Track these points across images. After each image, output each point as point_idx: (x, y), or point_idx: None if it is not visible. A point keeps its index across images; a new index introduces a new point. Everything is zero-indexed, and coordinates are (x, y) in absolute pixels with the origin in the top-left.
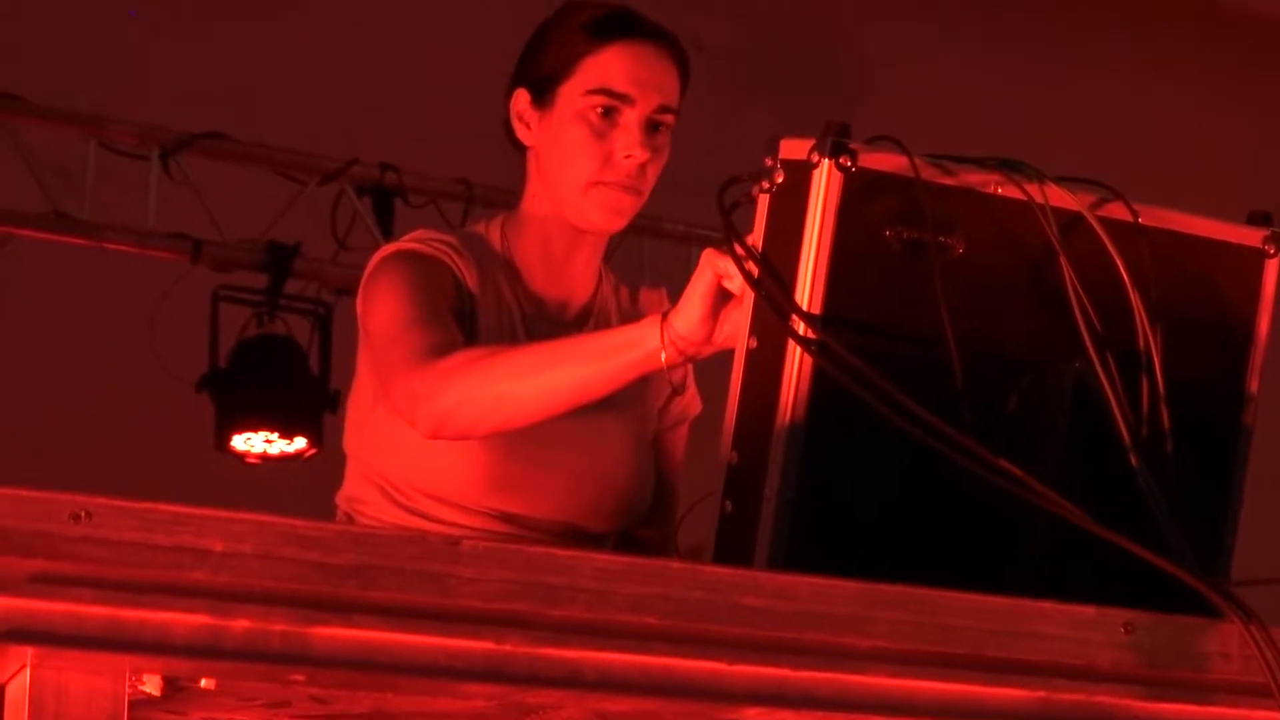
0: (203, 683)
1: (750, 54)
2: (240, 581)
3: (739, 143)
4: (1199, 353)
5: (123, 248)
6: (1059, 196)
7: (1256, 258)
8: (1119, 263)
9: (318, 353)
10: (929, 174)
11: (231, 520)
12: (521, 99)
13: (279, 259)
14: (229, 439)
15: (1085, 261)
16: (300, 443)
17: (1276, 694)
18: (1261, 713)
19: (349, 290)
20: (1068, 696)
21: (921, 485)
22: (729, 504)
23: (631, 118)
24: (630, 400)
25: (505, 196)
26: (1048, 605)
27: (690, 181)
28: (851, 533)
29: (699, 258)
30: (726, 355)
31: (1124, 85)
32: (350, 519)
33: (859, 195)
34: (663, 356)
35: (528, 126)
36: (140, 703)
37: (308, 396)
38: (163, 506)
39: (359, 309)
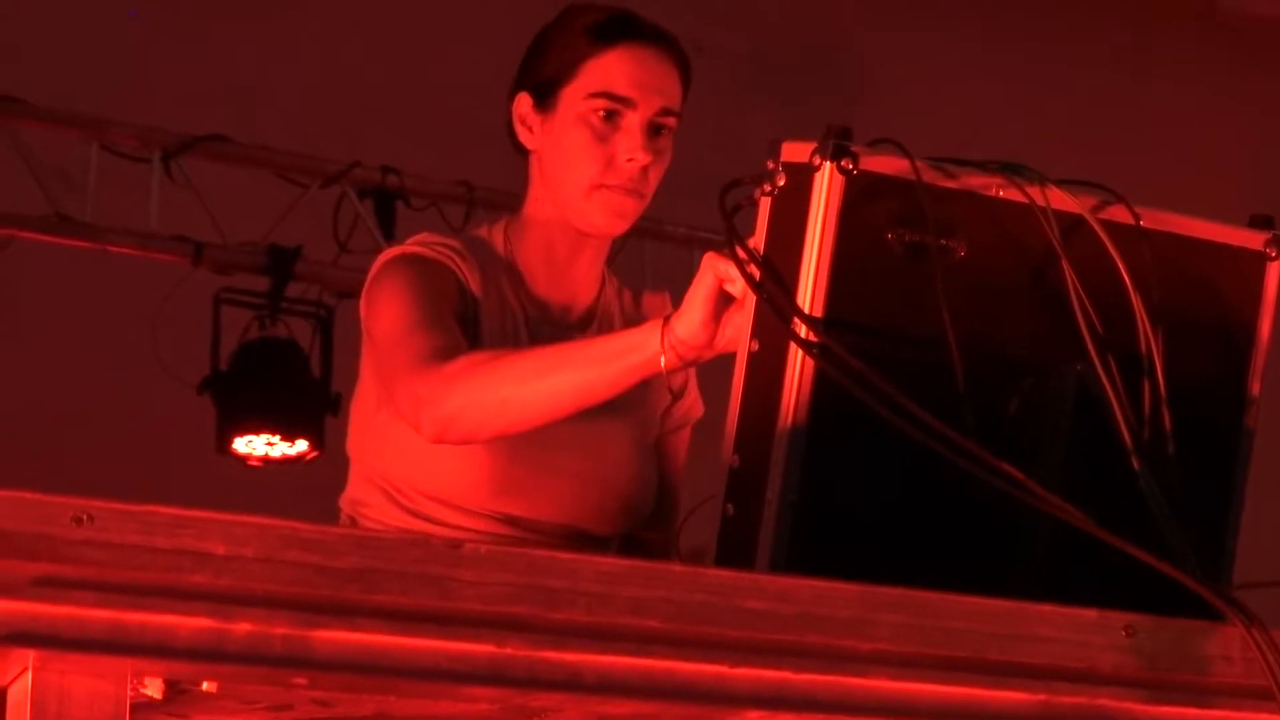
0: (205, 686)
1: (751, 57)
2: (242, 584)
3: (740, 145)
4: (1200, 355)
5: (124, 250)
6: (1060, 199)
7: (1258, 261)
8: (1120, 265)
9: (319, 355)
10: (930, 177)
11: (233, 523)
12: (523, 102)
13: (280, 262)
14: (230, 441)
15: (1087, 264)
16: (302, 445)
17: (1278, 697)
18: (1263, 716)
19: (350, 293)
20: (1069, 699)
21: (923, 488)
22: (730, 507)
23: (633, 121)
24: (633, 403)
25: (507, 199)
26: (1049, 608)
27: (692, 184)
28: (853, 536)
29: (700, 260)
30: (729, 358)
31: (1124, 86)
32: (354, 522)
33: (860, 198)
34: (662, 361)
35: (530, 130)
36: (142, 706)
37: (309, 399)
38: (164, 509)
39: (362, 312)
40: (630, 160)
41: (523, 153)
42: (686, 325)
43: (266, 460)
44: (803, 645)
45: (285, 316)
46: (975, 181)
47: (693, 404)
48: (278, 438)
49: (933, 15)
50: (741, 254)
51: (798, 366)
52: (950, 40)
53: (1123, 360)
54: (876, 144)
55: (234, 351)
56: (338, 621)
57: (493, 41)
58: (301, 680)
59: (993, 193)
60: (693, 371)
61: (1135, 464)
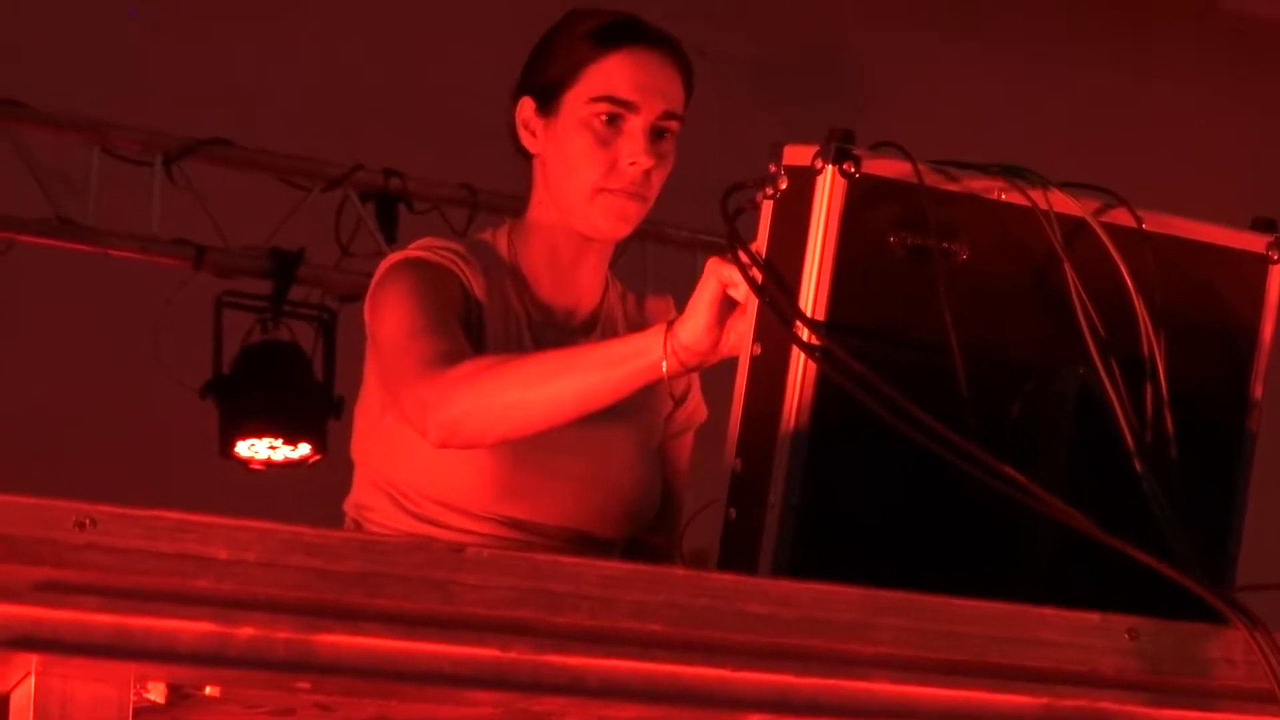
0: (208, 690)
1: (754, 60)
2: (245, 589)
3: (743, 148)
4: (1203, 358)
5: (126, 254)
6: (1062, 202)
7: (1260, 264)
8: (1123, 268)
9: (322, 359)
10: (932, 180)
11: (236, 528)
12: (526, 107)
13: (283, 265)
14: (233, 445)
15: (1089, 267)
16: (304, 449)
17: None
18: (1266, 719)
19: (353, 296)
20: (1071, 703)
21: (925, 491)
22: (733, 511)
23: (636, 124)
24: (637, 408)
25: (509, 202)
26: (1051, 611)
27: (694, 187)
28: (855, 539)
29: (703, 264)
30: (732, 362)
31: (1124, 86)
32: (359, 526)
33: (863, 201)
34: (664, 366)
35: (533, 134)
36: (145, 710)
37: (312, 403)
38: (167, 514)
39: (366, 317)
40: (633, 164)
41: (526, 157)
42: (690, 330)
43: (269, 464)
44: (805, 649)
45: (287, 320)
46: (977, 185)
47: (696, 408)
48: (280, 441)
49: (933, 18)
50: (743, 257)
51: (800, 370)
52: (951, 42)
53: (1125, 363)
54: (878, 147)
55: (236, 355)
56: (341, 626)
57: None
58: (304, 684)
59: (995, 196)
60: (696, 376)
61: (1137, 467)
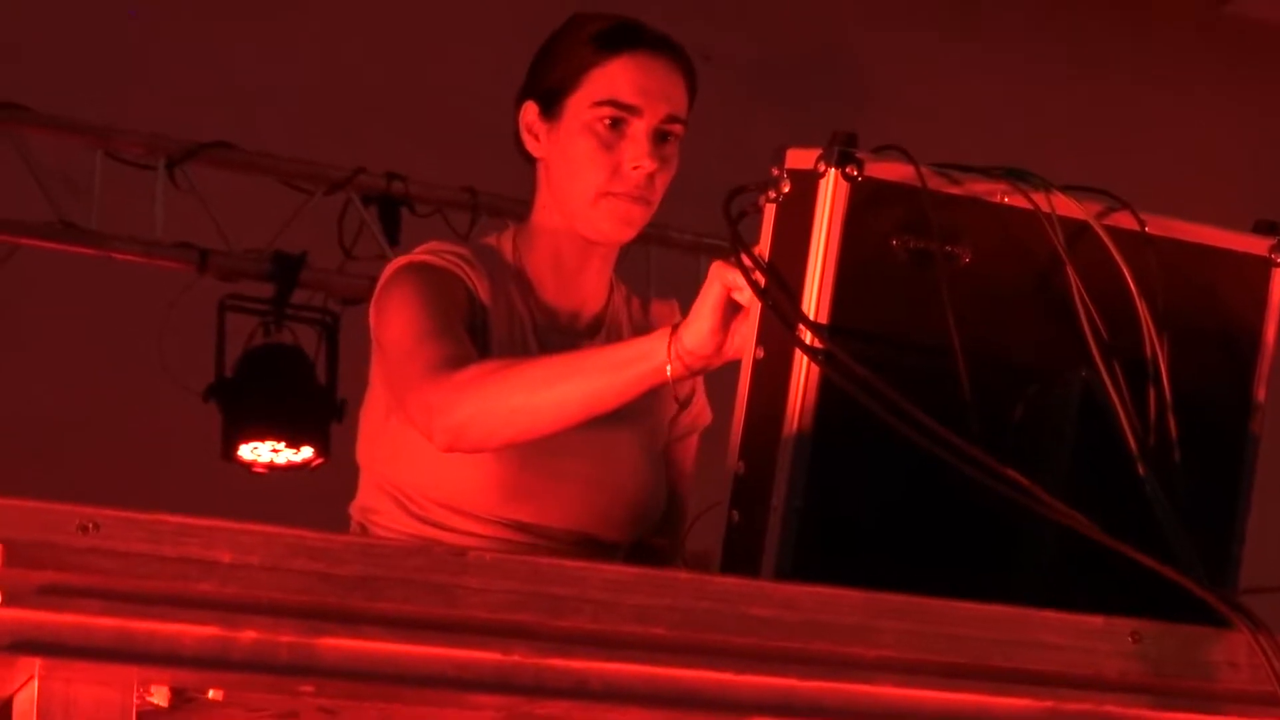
0: (211, 694)
1: (756, 64)
2: (248, 592)
3: (745, 152)
4: (1206, 361)
5: (129, 258)
6: (1065, 205)
7: (1263, 266)
8: (1126, 272)
9: (324, 362)
10: (935, 183)
11: (239, 531)
12: (530, 111)
13: (285, 269)
14: (236, 448)
15: (1092, 271)
16: (307, 452)
17: None
18: None
19: (356, 299)
20: (1075, 706)
21: (928, 495)
22: (736, 514)
23: (639, 128)
24: (641, 411)
25: (511, 205)
26: (1054, 615)
27: (697, 190)
28: (858, 542)
29: (706, 267)
30: (736, 365)
31: (1124, 87)
32: (364, 529)
33: (865, 205)
34: (668, 370)
35: (537, 139)
36: (148, 714)
37: (314, 406)
38: (170, 518)
39: (371, 321)
40: (636, 168)
41: (530, 161)
42: (694, 334)
43: (272, 467)
44: (808, 652)
45: (290, 323)
46: (980, 188)
47: (700, 411)
48: (283, 445)
49: (934, 20)
50: (746, 261)
51: (803, 373)
52: (952, 45)
53: (1128, 366)
54: (881, 150)
55: (239, 358)
56: (343, 629)
57: (495, 43)
58: (307, 688)
59: (997, 199)
60: (700, 379)
61: (1140, 470)
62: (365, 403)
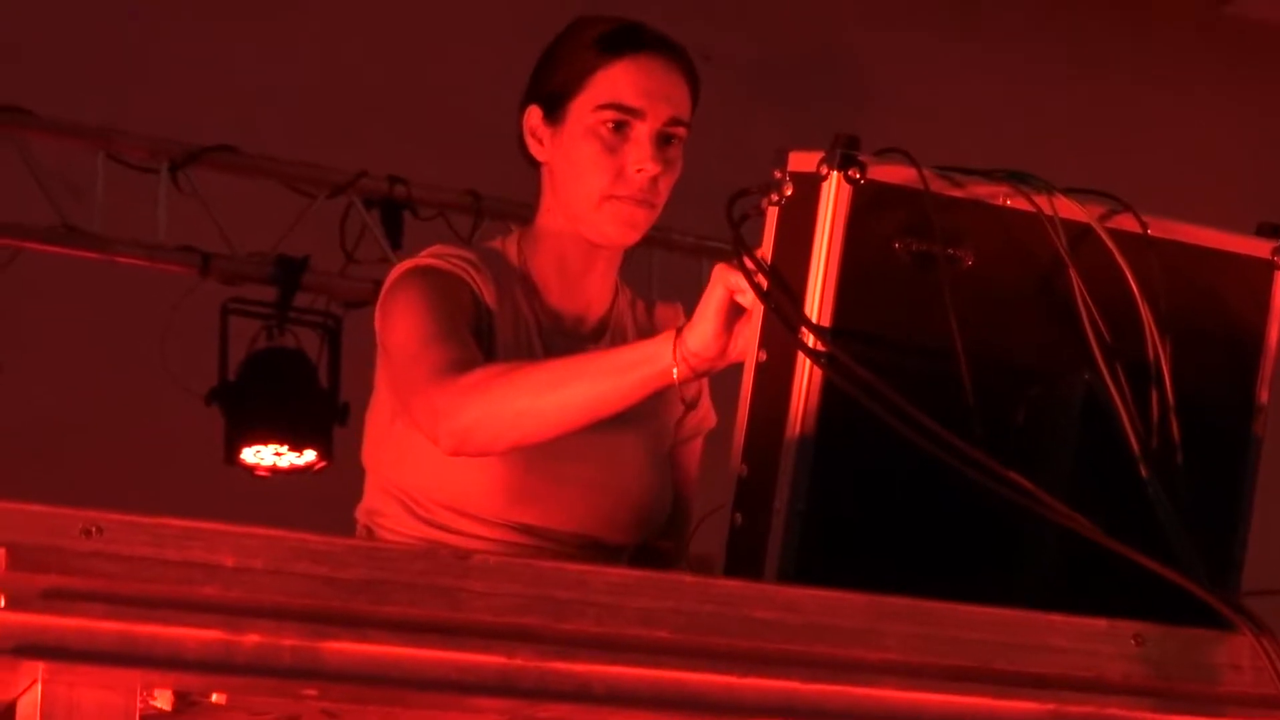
0: (214, 697)
1: (756, 64)
2: (251, 596)
3: (748, 154)
4: (1208, 364)
5: (132, 261)
6: (1068, 208)
7: (1265, 269)
8: (1128, 274)
9: (327, 366)
10: (938, 186)
11: (243, 535)
12: (534, 115)
13: (288, 272)
14: (239, 452)
15: (1094, 273)
16: (310, 455)
17: None
18: None
19: (358, 303)
20: (1078, 709)
21: (931, 497)
22: (739, 516)
23: (642, 131)
24: (646, 414)
25: (513, 207)
26: (1057, 617)
27: (699, 193)
28: (861, 544)
29: (709, 269)
30: (738, 368)
31: (1125, 87)
32: (370, 532)
33: (868, 207)
34: (674, 373)
35: (540, 142)
36: (151, 717)
37: (317, 409)
38: (174, 521)
39: (377, 325)
40: (640, 171)
41: (534, 165)
42: (698, 337)
43: (275, 470)
44: (811, 655)
45: (293, 327)
46: (982, 190)
47: (705, 414)
48: (286, 448)
49: (935, 20)
50: (749, 264)
51: (805, 376)
52: (953, 45)
53: (1130, 369)
54: (884, 153)
55: (242, 362)
56: (347, 633)
57: (497, 45)
58: (311, 691)
59: (1000, 202)
60: (705, 382)
61: (1143, 473)
62: (371, 406)
